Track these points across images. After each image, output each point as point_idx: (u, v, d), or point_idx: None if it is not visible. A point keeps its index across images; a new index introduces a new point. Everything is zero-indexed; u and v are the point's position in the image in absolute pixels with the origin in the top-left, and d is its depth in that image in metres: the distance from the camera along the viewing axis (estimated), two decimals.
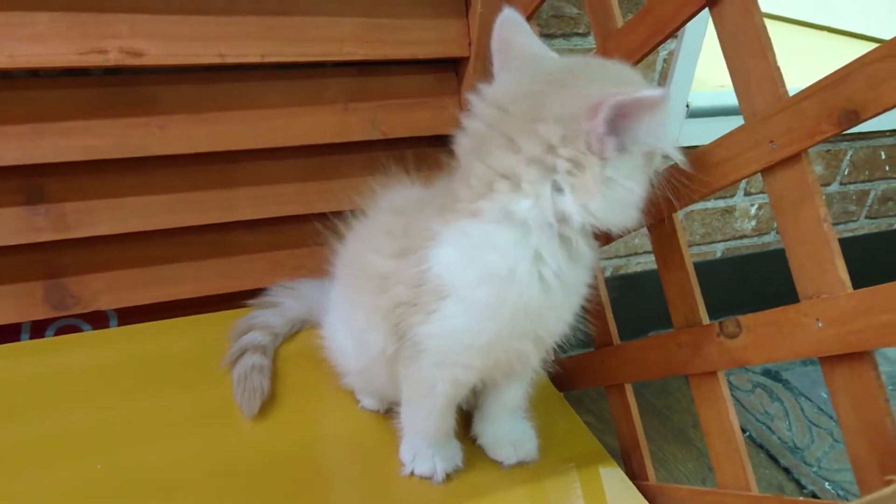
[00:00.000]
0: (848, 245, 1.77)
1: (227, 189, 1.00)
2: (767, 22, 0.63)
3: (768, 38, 0.63)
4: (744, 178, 0.67)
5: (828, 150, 1.57)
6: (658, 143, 0.59)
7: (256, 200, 1.00)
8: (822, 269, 0.60)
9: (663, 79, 1.27)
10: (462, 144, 0.63)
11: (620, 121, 0.55)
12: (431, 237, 0.63)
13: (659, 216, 0.73)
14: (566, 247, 0.62)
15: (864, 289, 0.57)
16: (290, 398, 0.87)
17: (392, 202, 0.75)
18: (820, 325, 0.61)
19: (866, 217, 1.76)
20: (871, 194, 1.72)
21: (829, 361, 0.61)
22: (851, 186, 1.68)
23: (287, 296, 0.96)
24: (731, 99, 0.69)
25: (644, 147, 0.58)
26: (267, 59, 0.91)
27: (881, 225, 1.79)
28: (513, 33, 0.64)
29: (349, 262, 0.78)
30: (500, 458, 0.80)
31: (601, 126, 0.54)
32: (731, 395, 1.47)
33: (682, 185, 0.67)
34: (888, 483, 0.54)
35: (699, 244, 1.51)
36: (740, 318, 0.69)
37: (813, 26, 2.79)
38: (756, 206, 1.55)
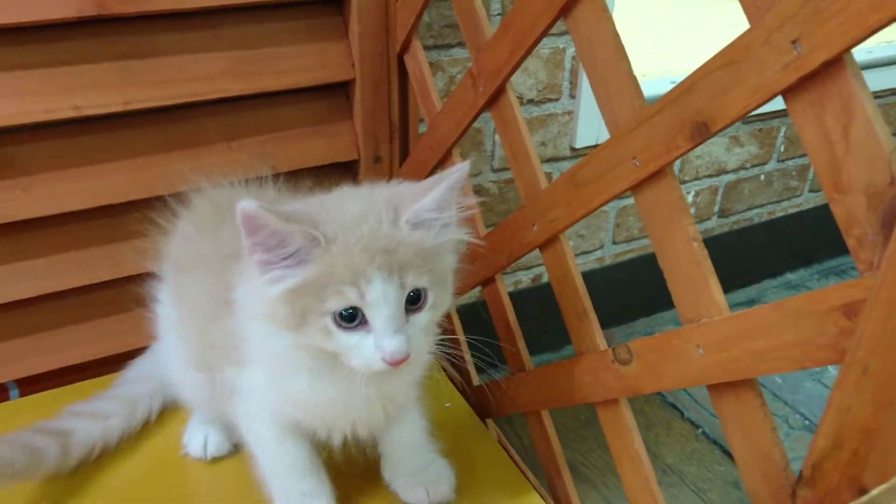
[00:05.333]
0: (794, 220, 1.75)
1: (114, 244, 0.94)
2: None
3: (622, 46, 0.59)
4: (615, 196, 0.62)
5: (760, 129, 1.53)
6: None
7: (147, 252, 0.95)
8: (697, 292, 0.56)
9: (574, 76, 1.22)
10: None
11: (264, 238, 0.51)
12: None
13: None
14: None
15: (738, 313, 0.53)
16: None
17: (228, 239, 0.67)
18: (701, 351, 0.56)
19: (810, 191, 1.73)
20: (812, 168, 1.69)
21: (716, 389, 0.57)
22: (790, 162, 1.64)
23: None
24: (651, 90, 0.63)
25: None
26: (131, 107, 0.85)
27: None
28: None
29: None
30: (413, 502, 0.75)
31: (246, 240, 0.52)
32: (682, 389, 1.45)
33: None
34: None
35: (637, 238, 1.47)
36: (630, 343, 0.65)
37: None
38: (693, 194, 1.51)
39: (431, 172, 0.95)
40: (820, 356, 0.46)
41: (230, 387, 0.66)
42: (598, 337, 0.70)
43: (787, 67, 0.44)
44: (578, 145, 1.28)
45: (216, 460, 0.80)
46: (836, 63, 0.42)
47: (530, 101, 1.21)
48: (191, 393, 0.78)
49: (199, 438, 0.79)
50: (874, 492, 0.37)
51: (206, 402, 0.75)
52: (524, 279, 1.42)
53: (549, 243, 0.73)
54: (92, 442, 0.78)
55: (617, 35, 0.59)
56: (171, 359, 0.78)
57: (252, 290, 0.56)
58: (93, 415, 0.80)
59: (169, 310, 0.77)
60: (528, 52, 0.69)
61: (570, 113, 1.26)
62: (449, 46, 1.09)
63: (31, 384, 0.98)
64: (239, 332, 0.62)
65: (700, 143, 0.52)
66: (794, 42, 0.43)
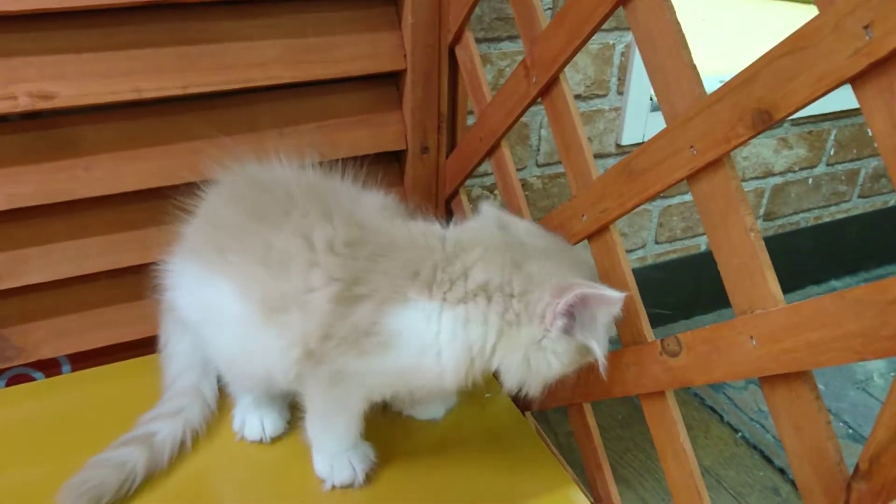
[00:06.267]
0: (841, 226, 1.71)
1: (169, 225, 0.96)
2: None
3: (682, 35, 0.59)
4: (670, 185, 0.62)
5: (810, 132, 1.51)
6: (592, 340, 0.64)
7: None
8: (753, 283, 0.56)
9: (622, 73, 1.22)
10: (474, 240, 0.69)
11: (579, 308, 0.63)
12: (402, 300, 0.66)
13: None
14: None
15: (794, 304, 0.52)
16: None
17: (325, 238, 0.69)
18: (754, 342, 0.56)
19: (859, 196, 1.69)
20: (862, 172, 1.66)
21: (768, 382, 0.56)
22: (839, 166, 1.61)
23: None
24: None
25: (585, 338, 0.64)
26: (189, 91, 0.88)
27: (876, 203, 1.72)
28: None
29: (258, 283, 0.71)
30: (433, 416, 0.88)
31: (562, 306, 0.62)
32: (723, 392, 1.43)
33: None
34: None
35: (680, 239, 1.45)
36: (680, 335, 0.64)
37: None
38: None
39: (479, 163, 0.96)
40: (882, 347, 0.46)
41: (335, 370, 0.68)
42: (646, 328, 0.70)
43: (857, 53, 0.44)
44: (624, 142, 1.28)
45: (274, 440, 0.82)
46: None
47: (577, 97, 1.21)
48: (259, 382, 0.77)
49: (255, 422, 0.80)
50: None
51: (275, 386, 0.75)
52: None
53: (598, 233, 0.73)
54: (179, 437, 0.79)
55: (678, 24, 0.59)
56: (246, 353, 0.74)
57: (550, 350, 0.65)
58: (169, 414, 0.80)
59: (231, 305, 0.72)
60: (585, 42, 0.69)
61: (616, 109, 1.26)
62: (498, 40, 1.10)
63: (82, 360, 1.01)
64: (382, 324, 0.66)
65: (761, 132, 0.52)
66: (865, 27, 0.43)
